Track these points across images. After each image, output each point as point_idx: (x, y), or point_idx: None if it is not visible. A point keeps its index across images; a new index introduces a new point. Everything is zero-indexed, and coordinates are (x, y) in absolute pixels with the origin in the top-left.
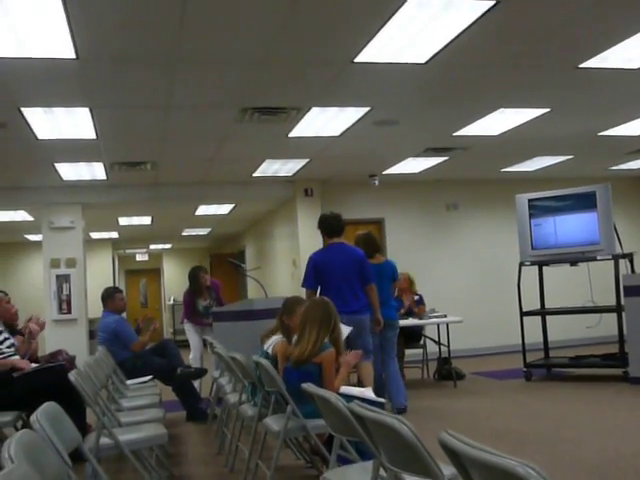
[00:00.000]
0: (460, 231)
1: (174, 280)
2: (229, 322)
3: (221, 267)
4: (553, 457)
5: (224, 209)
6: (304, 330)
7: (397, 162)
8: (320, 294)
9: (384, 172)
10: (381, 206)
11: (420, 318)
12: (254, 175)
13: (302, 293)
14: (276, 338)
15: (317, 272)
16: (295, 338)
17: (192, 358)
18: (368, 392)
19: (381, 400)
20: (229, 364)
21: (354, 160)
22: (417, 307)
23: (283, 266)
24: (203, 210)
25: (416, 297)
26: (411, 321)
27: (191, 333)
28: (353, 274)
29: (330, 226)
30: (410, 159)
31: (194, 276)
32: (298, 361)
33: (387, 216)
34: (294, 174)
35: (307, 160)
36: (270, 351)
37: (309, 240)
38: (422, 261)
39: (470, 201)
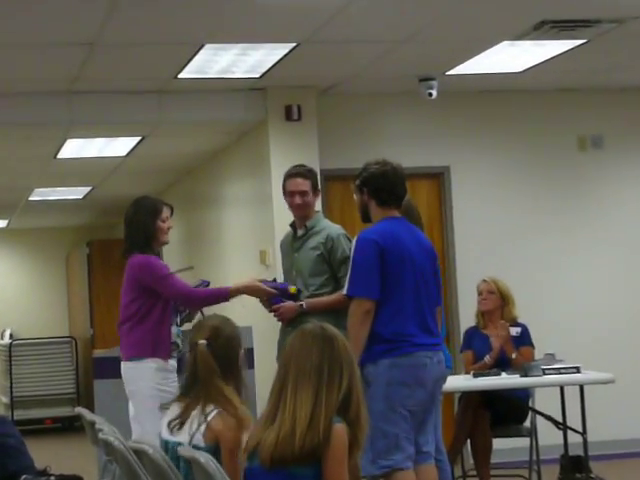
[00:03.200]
0: (605, 190)
1: (12, 293)
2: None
3: (110, 266)
4: None
5: (119, 147)
6: (283, 392)
7: (478, 52)
8: (379, 307)
9: (449, 72)
10: (442, 144)
11: (524, 374)
12: (180, 76)
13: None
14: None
15: (383, 269)
16: (264, 409)
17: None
18: None
19: None
20: (130, 465)
21: (387, 48)
22: (517, 350)
23: (240, 263)
24: (74, 149)
25: (515, 330)
26: (506, 379)
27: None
28: (431, 277)
29: (389, 186)
30: (506, 44)
31: (149, 211)
32: (277, 457)
33: (454, 163)
34: (263, 75)
35: (291, 46)
36: (201, 439)
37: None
38: (526, 256)
39: (627, 132)
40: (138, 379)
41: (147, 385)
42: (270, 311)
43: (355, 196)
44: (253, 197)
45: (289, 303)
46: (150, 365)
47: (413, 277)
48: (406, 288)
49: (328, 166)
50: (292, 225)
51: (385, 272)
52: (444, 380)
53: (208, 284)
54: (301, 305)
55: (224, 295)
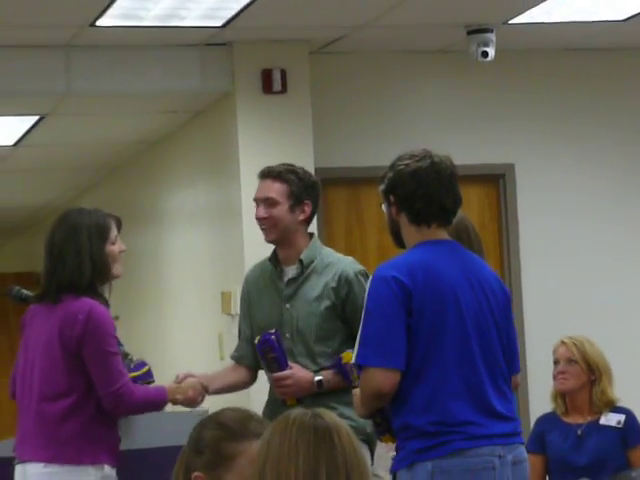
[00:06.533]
0: None
1: None
2: None
3: None
4: None
5: (3, 132)
6: None
7: None
8: (409, 384)
9: (513, 20)
10: (503, 130)
11: None
12: (99, 24)
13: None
14: None
15: (411, 321)
16: None
17: None
18: None
19: None
20: None
21: None
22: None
23: (191, 311)
24: None
25: (616, 418)
26: None
27: None
28: (498, 333)
29: (427, 192)
30: None
31: (93, 230)
32: None
33: (521, 160)
34: (227, 23)
35: None
36: None
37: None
38: (636, 299)
39: None
40: None
41: None
42: (273, 376)
43: (383, 209)
44: (211, 211)
45: (303, 372)
46: (89, 474)
47: (462, 330)
48: (448, 348)
49: (327, 164)
50: (272, 259)
51: (415, 327)
52: None
53: (145, 369)
54: (319, 382)
55: (161, 401)
